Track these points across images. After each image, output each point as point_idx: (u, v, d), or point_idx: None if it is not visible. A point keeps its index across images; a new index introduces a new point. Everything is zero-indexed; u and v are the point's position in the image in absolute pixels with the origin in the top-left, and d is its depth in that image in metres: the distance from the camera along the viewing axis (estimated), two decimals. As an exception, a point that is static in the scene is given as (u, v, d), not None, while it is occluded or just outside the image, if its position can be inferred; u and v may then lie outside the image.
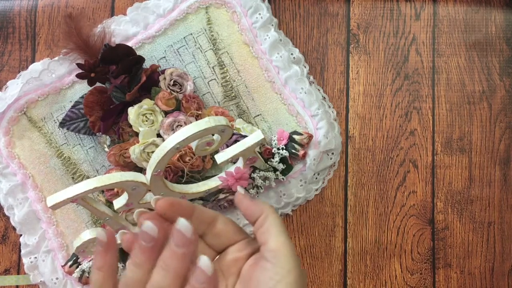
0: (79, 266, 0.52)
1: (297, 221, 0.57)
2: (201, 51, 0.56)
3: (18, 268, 0.57)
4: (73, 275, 0.52)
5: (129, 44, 0.55)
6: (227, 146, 0.49)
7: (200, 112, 0.53)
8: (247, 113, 0.56)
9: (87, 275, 0.52)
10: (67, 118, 0.55)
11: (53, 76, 0.56)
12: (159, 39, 0.56)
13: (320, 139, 0.54)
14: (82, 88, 0.56)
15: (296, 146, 0.53)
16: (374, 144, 0.58)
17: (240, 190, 0.35)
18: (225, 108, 0.55)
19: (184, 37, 0.56)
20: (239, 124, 0.54)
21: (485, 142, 0.58)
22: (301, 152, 0.53)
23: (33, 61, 0.59)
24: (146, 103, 0.52)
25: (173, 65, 0.56)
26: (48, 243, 0.54)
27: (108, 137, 0.54)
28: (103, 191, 0.53)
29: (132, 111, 0.51)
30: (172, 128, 0.52)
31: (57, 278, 0.54)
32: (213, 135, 0.43)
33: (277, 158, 0.53)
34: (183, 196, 0.49)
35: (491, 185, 0.57)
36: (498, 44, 0.59)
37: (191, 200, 0.53)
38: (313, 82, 0.58)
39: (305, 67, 0.57)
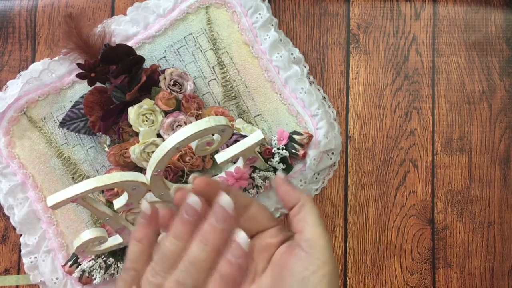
0: (79, 266, 0.52)
1: (297, 221, 0.57)
2: (201, 51, 0.56)
3: (18, 268, 0.57)
4: (73, 275, 0.52)
5: (129, 44, 0.55)
6: (227, 146, 0.49)
7: (200, 112, 0.53)
8: (247, 113, 0.56)
9: (87, 275, 0.52)
10: (67, 118, 0.55)
11: (53, 76, 0.56)
12: (159, 39, 0.56)
13: (320, 139, 0.54)
14: (82, 88, 0.56)
15: (296, 146, 0.53)
16: (374, 144, 0.58)
17: (280, 174, 0.35)
18: (225, 108, 0.55)
19: (184, 37, 0.56)
20: (239, 124, 0.54)
21: (485, 142, 0.58)
22: (301, 152, 0.53)
23: (33, 61, 0.59)
24: (146, 103, 0.52)
25: (173, 65, 0.56)
26: (48, 243, 0.54)
27: (108, 137, 0.54)
28: (103, 191, 0.53)
29: (132, 111, 0.51)
30: (172, 128, 0.52)
31: (57, 278, 0.54)
32: (213, 135, 0.43)
33: (277, 158, 0.53)
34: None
35: (491, 185, 0.57)
36: (498, 44, 0.59)
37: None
38: (313, 82, 0.58)
39: (305, 67, 0.57)
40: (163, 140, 0.52)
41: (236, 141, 0.50)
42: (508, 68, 0.58)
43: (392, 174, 0.58)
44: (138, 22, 0.57)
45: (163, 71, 0.54)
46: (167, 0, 0.57)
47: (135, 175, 0.41)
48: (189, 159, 0.51)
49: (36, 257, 0.54)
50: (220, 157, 0.46)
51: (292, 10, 0.59)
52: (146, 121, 0.52)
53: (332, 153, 0.56)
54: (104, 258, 0.52)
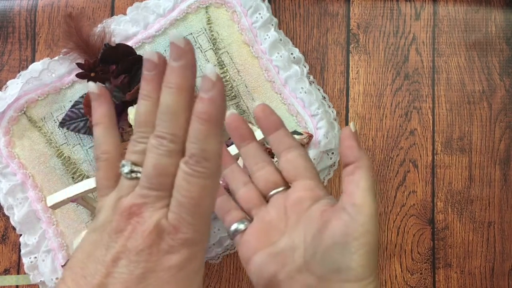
0: (79, 266, 0.52)
1: (297, 221, 0.57)
2: (201, 50, 0.56)
3: (18, 268, 0.57)
4: (73, 275, 0.52)
5: (129, 43, 0.55)
6: (227, 146, 0.49)
7: (200, 112, 0.53)
8: (247, 113, 0.56)
9: (87, 275, 0.52)
10: (67, 117, 0.55)
11: (53, 76, 0.56)
12: (159, 39, 0.56)
13: (320, 139, 0.54)
14: (82, 87, 0.56)
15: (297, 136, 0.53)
16: (374, 144, 0.58)
17: (352, 127, 0.32)
18: (225, 107, 0.55)
19: (184, 37, 0.56)
20: (239, 123, 0.54)
21: (485, 142, 0.58)
22: (301, 152, 0.53)
23: (33, 60, 0.59)
24: (146, 102, 0.52)
25: (173, 64, 0.56)
26: (48, 243, 0.54)
27: (108, 136, 0.54)
28: (103, 191, 0.53)
29: (132, 111, 0.51)
30: (172, 128, 0.52)
31: (57, 278, 0.54)
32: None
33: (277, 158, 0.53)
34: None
35: (491, 185, 0.57)
36: (498, 43, 0.59)
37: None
38: (313, 82, 0.58)
39: (305, 66, 0.57)
40: (163, 140, 0.51)
41: (236, 141, 0.50)
42: (508, 68, 0.58)
43: (392, 174, 0.58)
44: (138, 22, 0.57)
45: (163, 71, 0.54)
46: (167, 0, 0.57)
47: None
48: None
49: (36, 257, 0.54)
50: None
51: (292, 10, 0.59)
52: (146, 121, 0.52)
53: (332, 153, 0.56)
54: (104, 258, 0.52)
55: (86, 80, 0.52)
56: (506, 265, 0.57)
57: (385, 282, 0.57)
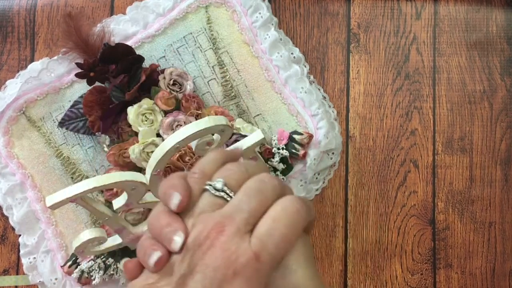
0: (78, 266, 0.52)
1: (297, 221, 0.57)
2: (200, 50, 0.56)
3: (17, 268, 0.57)
4: (72, 275, 0.52)
5: (129, 43, 0.55)
6: (227, 146, 0.48)
7: (199, 112, 0.53)
8: (247, 112, 0.56)
9: (86, 275, 0.52)
10: (66, 117, 0.55)
11: (52, 76, 0.55)
12: (158, 39, 0.56)
13: (321, 139, 0.54)
14: (82, 87, 0.55)
15: (296, 146, 0.53)
16: (374, 144, 0.58)
17: None
18: (225, 107, 0.55)
19: (183, 37, 0.56)
20: (239, 123, 0.54)
21: (486, 142, 0.58)
22: (301, 152, 0.53)
23: (32, 60, 0.59)
24: (146, 102, 0.52)
25: (172, 64, 0.56)
26: (47, 243, 0.54)
27: (107, 136, 0.54)
28: (102, 191, 0.53)
29: (131, 111, 0.51)
30: (172, 128, 0.52)
31: (56, 279, 0.54)
32: (213, 134, 0.43)
33: (277, 158, 0.53)
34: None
35: (492, 185, 0.57)
36: (499, 43, 0.59)
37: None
38: (313, 82, 0.58)
39: (305, 66, 0.57)
40: (163, 140, 0.51)
41: (236, 141, 0.50)
42: (509, 67, 0.58)
43: (393, 174, 0.57)
44: (138, 22, 0.56)
45: (162, 71, 0.54)
46: (167, -1, 0.57)
47: (134, 175, 0.41)
48: (189, 159, 0.51)
49: (35, 258, 0.54)
50: None
51: (292, 10, 0.59)
52: (146, 120, 0.51)
53: (333, 153, 0.56)
54: (103, 259, 0.52)
55: (85, 80, 0.52)
56: (507, 265, 0.57)
57: (386, 283, 0.57)
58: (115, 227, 0.47)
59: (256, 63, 0.56)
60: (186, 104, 0.53)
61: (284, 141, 0.53)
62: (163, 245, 0.25)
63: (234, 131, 0.53)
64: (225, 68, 0.56)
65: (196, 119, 0.52)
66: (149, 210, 0.52)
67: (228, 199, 0.26)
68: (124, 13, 0.58)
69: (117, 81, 0.51)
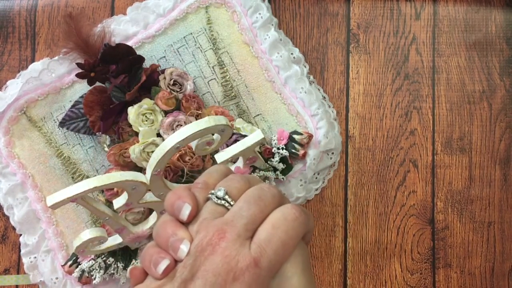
0: (79, 266, 0.52)
1: (297, 221, 0.57)
2: (201, 50, 0.56)
3: (17, 268, 0.57)
4: (72, 274, 0.52)
5: (129, 43, 0.55)
6: (227, 146, 0.49)
7: (200, 112, 0.53)
8: (247, 112, 0.56)
9: (87, 274, 0.52)
10: (66, 117, 0.55)
11: (53, 76, 0.56)
12: (159, 39, 0.56)
13: (320, 139, 0.54)
14: (82, 87, 0.56)
15: (296, 145, 0.53)
16: (374, 144, 0.58)
17: None
18: (225, 107, 0.55)
19: (184, 37, 0.56)
20: (239, 123, 0.54)
21: (485, 141, 0.58)
22: (301, 152, 0.53)
23: (33, 60, 0.59)
24: (146, 102, 0.52)
25: (173, 64, 0.56)
26: (47, 242, 0.54)
27: (108, 136, 0.54)
28: (102, 191, 0.53)
29: (132, 111, 0.51)
30: (172, 128, 0.52)
31: (56, 278, 0.54)
32: (213, 134, 0.43)
33: (277, 158, 0.53)
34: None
35: (491, 185, 0.57)
36: (498, 43, 0.59)
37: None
38: (313, 82, 0.58)
39: (305, 66, 0.57)
40: (163, 139, 0.52)
41: (236, 140, 0.50)
42: (508, 68, 0.58)
43: (392, 174, 0.57)
44: (138, 22, 0.57)
45: (163, 71, 0.54)
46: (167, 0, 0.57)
47: (134, 175, 0.41)
48: (189, 159, 0.51)
49: (35, 257, 0.54)
50: (220, 157, 0.46)
51: (292, 10, 0.59)
52: (146, 120, 0.52)
53: (332, 153, 0.56)
54: (104, 258, 0.52)
55: (86, 80, 0.52)
56: (506, 265, 0.57)
57: (385, 282, 0.57)
58: (115, 227, 0.47)
59: (256, 63, 0.56)
60: (186, 104, 0.53)
61: (284, 141, 0.53)
62: (169, 253, 0.26)
63: (234, 131, 0.53)
64: (225, 68, 0.56)
65: (196, 119, 0.52)
66: (149, 209, 0.52)
67: (229, 207, 0.27)
68: (124, 14, 0.58)
69: (117, 81, 0.51)
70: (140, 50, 0.56)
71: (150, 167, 0.41)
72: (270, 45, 0.55)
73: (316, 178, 0.56)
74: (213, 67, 0.56)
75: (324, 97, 0.58)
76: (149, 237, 0.54)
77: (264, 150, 0.53)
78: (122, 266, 0.52)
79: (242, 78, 0.56)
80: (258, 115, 0.56)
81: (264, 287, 0.25)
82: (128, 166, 0.52)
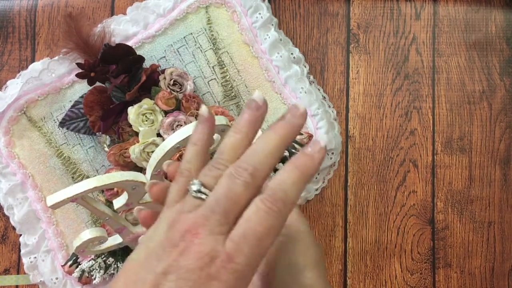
0: (79, 266, 0.52)
1: (297, 221, 0.57)
2: (201, 50, 0.56)
3: (17, 268, 0.57)
4: (72, 274, 0.52)
5: (129, 43, 0.55)
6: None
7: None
8: (247, 112, 0.56)
9: (87, 274, 0.52)
10: (67, 117, 0.55)
11: (53, 76, 0.56)
12: (159, 39, 0.56)
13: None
14: (82, 87, 0.56)
15: (296, 145, 0.53)
16: (374, 144, 0.58)
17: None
18: (225, 107, 0.55)
19: (184, 37, 0.56)
20: (239, 123, 0.54)
21: (485, 141, 0.58)
22: (301, 152, 0.53)
23: (33, 60, 0.59)
24: (146, 102, 0.52)
25: (173, 64, 0.56)
26: (48, 242, 0.54)
27: (108, 136, 0.54)
28: (103, 191, 0.53)
29: (132, 111, 0.51)
30: (172, 128, 0.52)
31: (56, 278, 0.54)
32: (213, 134, 0.43)
33: (277, 158, 0.53)
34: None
35: (491, 185, 0.57)
36: (498, 43, 0.59)
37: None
38: (313, 82, 0.58)
39: (305, 66, 0.57)
40: (163, 139, 0.52)
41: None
42: (508, 67, 0.58)
43: (392, 174, 0.57)
44: (138, 22, 0.57)
45: (163, 71, 0.54)
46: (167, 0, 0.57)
47: (135, 175, 0.41)
48: (189, 159, 0.51)
49: (35, 257, 0.54)
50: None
51: (292, 10, 0.59)
52: (146, 120, 0.52)
53: (332, 153, 0.56)
54: (104, 258, 0.52)
55: (86, 80, 0.52)
56: (506, 265, 0.57)
57: (385, 282, 0.57)
58: (115, 227, 0.47)
59: (256, 63, 0.56)
60: (186, 104, 0.53)
61: (284, 141, 0.53)
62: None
63: (234, 131, 0.53)
64: (225, 68, 0.56)
65: (196, 119, 0.52)
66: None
67: (206, 198, 0.26)
68: (124, 14, 0.58)
69: (117, 81, 0.51)
70: (140, 50, 0.56)
71: (150, 167, 0.41)
72: (270, 45, 0.55)
73: (316, 178, 0.56)
74: (213, 67, 0.56)
75: (324, 97, 0.58)
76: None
77: (264, 150, 0.53)
78: (117, 265, 0.52)
79: (242, 78, 0.56)
80: (258, 115, 0.56)
81: (246, 282, 0.25)
82: (128, 166, 0.52)
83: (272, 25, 0.56)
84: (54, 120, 0.56)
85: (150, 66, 0.53)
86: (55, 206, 0.39)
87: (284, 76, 0.55)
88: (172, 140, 0.38)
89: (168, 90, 0.53)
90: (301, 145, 0.53)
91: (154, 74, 0.53)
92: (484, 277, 0.57)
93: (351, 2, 0.59)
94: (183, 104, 0.53)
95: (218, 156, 0.27)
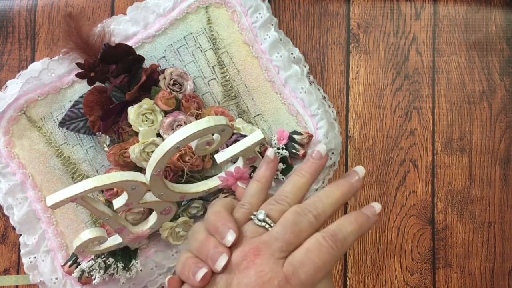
0: (79, 266, 0.52)
1: (297, 221, 0.57)
2: (201, 50, 0.56)
3: (17, 268, 0.57)
4: (72, 275, 0.52)
5: (129, 43, 0.55)
6: (227, 146, 0.48)
7: (200, 112, 0.53)
8: (247, 112, 0.56)
9: (87, 275, 0.52)
10: (66, 117, 0.55)
11: (52, 76, 0.56)
12: (159, 39, 0.56)
13: (320, 139, 0.54)
14: (82, 87, 0.55)
15: (296, 146, 0.53)
16: (374, 144, 0.58)
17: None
18: (225, 107, 0.55)
19: (184, 37, 0.56)
20: (239, 123, 0.54)
21: (485, 142, 0.58)
22: (301, 152, 0.53)
23: (32, 60, 0.59)
24: (146, 102, 0.52)
25: (173, 64, 0.56)
26: (47, 242, 0.54)
27: (107, 136, 0.54)
28: (102, 191, 0.53)
29: (132, 111, 0.51)
30: (172, 128, 0.52)
31: (56, 278, 0.54)
32: (213, 134, 0.43)
33: (277, 158, 0.53)
34: (183, 196, 0.49)
35: (491, 185, 0.57)
36: (498, 43, 0.59)
37: (191, 200, 0.52)
38: (313, 82, 0.58)
39: (305, 66, 0.57)
40: (163, 139, 0.51)
41: (236, 140, 0.50)
42: (508, 67, 0.58)
43: (392, 174, 0.57)
44: (138, 22, 0.57)
45: (163, 71, 0.54)
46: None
47: (134, 175, 0.41)
48: (189, 159, 0.51)
49: (35, 257, 0.54)
50: (219, 157, 0.46)
51: (292, 10, 0.59)
52: (146, 120, 0.52)
53: (332, 153, 0.56)
54: (104, 258, 0.52)
55: (86, 80, 0.52)
56: (506, 265, 0.57)
57: (385, 282, 0.57)
58: (115, 227, 0.47)
59: (256, 63, 0.56)
60: (186, 104, 0.53)
61: (284, 141, 0.53)
62: (208, 263, 0.29)
63: (234, 131, 0.53)
64: (225, 68, 0.56)
65: (196, 119, 0.52)
66: (149, 210, 0.52)
67: (269, 228, 0.29)
68: (124, 14, 0.58)
69: (117, 81, 0.51)
70: (140, 50, 0.56)
71: (150, 167, 0.41)
72: (270, 45, 0.55)
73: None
74: (213, 67, 0.56)
75: (324, 97, 0.58)
76: (149, 237, 0.54)
77: (264, 150, 0.53)
78: (122, 266, 0.52)
79: (242, 78, 0.56)
80: (258, 115, 0.56)
81: None
82: (128, 166, 0.52)
83: (272, 25, 0.56)
84: (54, 120, 0.56)
85: (150, 66, 0.53)
86: (55, 206, 0.39)
87: (284, 76, 0.55)
88: (172, 140, 0.38)
89: (168, 90, 0.53)
90: (301, 145, 0.53)
91: (154, 74, 0.53)
92: (484, 277, 0.57)
93: (351, 2, 0.59)
94: (183, 104, 0.53)
95: (282, 194, 0.31)
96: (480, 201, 0.57)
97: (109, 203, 0.52)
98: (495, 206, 0.57)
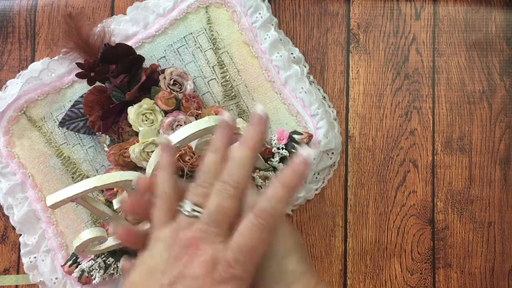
0: (79, 266, 0.52)
1: (297, 221, 0.57)
2: (201, 50, 0.56)
3: (17, 267, 0.57)
4: (72, 274, 0.52)
5: (129, 43, 0.55)
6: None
7: (199, 112, 0.53)
8: (247, 112, 0.56)
9: (87, 274, 0.52)
10: (66, 117, 0.55)
11: (52, 76, 0.56)
12: (159, 39, 0.56)
13: (320, 139, 0.54)
14: (82, 87, 0.56)
15: (296, 145, 0.53)
16: (374, 144, 0.58)
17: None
18: (225, 107, 0.55)
19: (184, 37, 0.56)
20: (239, 123, 0.54)
21: (485, 142, 0.58)
22: (301, 152, 0.53)
23: (32, 60, 0.59)
24: (146, 102, 0.52)
25: (173, 64, 0.56)
26: (47, 242, 0.54)
27: (107, 136, 0.54)
28: (102, 191, 0.53)
29: (132, 111, 0.51)
30: (172, 128, 0.52)
31: (56, 278, 0.54)
32: (212, 134, 0.43)
33: (277, 158, 0.53)
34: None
35: (491, 185, 0.57)
36: (498, 43, 0.59)
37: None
38: (313, 82, 0.58)
39: (305, 66, 0.57)
40: (163, 139, 0.51)
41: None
42: (508, 68, 0.58)
43: (392, 174, 0.57)
44: (138, 22, 0.57)
45: (163, 71, 0.54)
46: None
47: (134, 175, 0.41)
48: (189, 159, 0.51)
49: (35, 257, 0.54)
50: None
51: (292, 10, 0.59)
52: (146, 120, 0.52)
53: (332, 153, 0.56)
54: (104, 258, 0.52)
55: (86, 80, 0.52)
56: (506, 265, 0.57)
57: (385, 282, 0.57)
58: (115, 227, 0.47)
59: (256, 63, 0.56)
60: (186, 104, 0.53)
61: (284, 141, 0.53)
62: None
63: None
64: (225, 68, 0.56)
65: (196, 119, 0.52)
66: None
67: (199, 216, 0.29)
68: (124, 14, 0.58)
69: (117, 81, 0.51)
70: (140, 50, 0.56)
71: (150, 167, 0.41)
72: (270, 45, 0.55)
73: (316, 178, 0.56)
74: (213, 67, 0.56)
75: (324, 97, 0.58)
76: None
77: (264, 150, 0.53)
78: (116, 265, 0.52)
79: (242, 78, 0.56)
80: (258, 115, 0.56)
81: (247, 285, 0.28)
82: (128, 166, 0.52)
83: (272, 25, 0.56)
84: (54, 120, 0.56)
85: (150, 66, 0.53)
86: (55, 206, 0.39)
87: (284, 76, 0.55)
88: (172, 140, 0.38)
89: (168, 90, 0.53)
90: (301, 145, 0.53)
91: (154, 74, 0.53)
92: (484, 277, 0.57)
93: (351, 2, 0.59)
94: (183, 104, 0.53)
95: (202, 176, 0.31)
96: (480, 201, 0.57)
97: (109, 203, 0.52)
98: (495, 206, 0.57)
